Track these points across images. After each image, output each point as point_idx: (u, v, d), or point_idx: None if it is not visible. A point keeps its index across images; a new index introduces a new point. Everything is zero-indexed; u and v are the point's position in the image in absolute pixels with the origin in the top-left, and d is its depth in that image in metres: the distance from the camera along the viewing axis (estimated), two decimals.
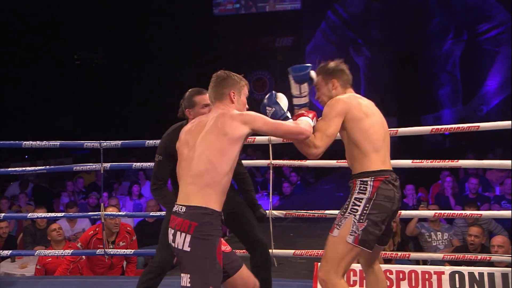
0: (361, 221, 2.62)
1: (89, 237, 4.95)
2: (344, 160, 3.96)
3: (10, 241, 6.00)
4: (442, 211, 4.53)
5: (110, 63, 16.62)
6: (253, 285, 2.63)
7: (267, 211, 4.02)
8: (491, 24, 15.48)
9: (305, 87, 2.78)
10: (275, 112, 2.67)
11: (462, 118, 14.88)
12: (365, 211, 2.62)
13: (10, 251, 4.94)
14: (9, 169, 5.92)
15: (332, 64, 2.82)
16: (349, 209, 2.65)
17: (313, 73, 2.80)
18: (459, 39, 15.90)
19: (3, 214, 5.88)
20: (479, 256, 3.89)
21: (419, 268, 3.85)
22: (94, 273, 4.99)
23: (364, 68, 16.88)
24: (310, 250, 4.04)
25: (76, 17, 14.65)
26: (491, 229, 5.62)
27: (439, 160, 3.89)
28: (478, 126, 3.76)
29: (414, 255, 4.52)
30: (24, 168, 5.12)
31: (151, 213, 5.32)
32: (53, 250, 4.90)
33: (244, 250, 3.36)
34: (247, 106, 2.65)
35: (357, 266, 3.88)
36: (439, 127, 3.96)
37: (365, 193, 2.65)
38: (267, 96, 2.76)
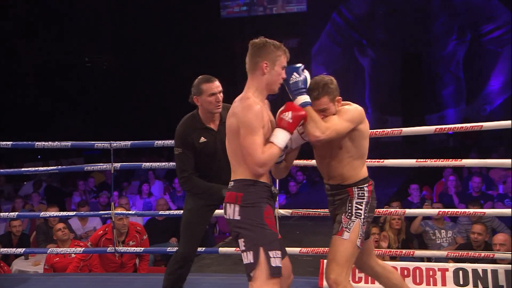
0: (364, 224, 2.70)
1: (98, 237, 4.97)
2: None
3: (24, 239, 6.03)
4: (446, 210, 4.51)
5: (119, 65, 16.69)
6: (289, 275, 2.66)
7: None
8: (494, 25, 15.41)
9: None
10: (296, 83, 2.59)
11: (466, 117, 14.83)
12: (365, 214, 2.70)
13: (24, 249, 4.97)
14: (23, 169, 5.96)
15: (333, 83, 2.68)
16: (354, 213, 2.68)
17: (306, 74, 2.67)
18: (463, 40, 15.85)
19: (16, 213, 5.94)
20: (483, 254, 3.88)
21: (424, 265, 3.83)
22: (105, 271, 5.01)
23: (369, 69, 16.86)
24: (316, 248, 4.04)
25: (87, 22, 14.72)
26: (494, 227, 5.61)
27: (443, 159, 3.88)
28: (482, 126, 3.74)
29: (419, 252, 4.49)
30: (37, 168, 5.13)
31: (161, 212, 5.32)
32: (64, 248, 4.93)
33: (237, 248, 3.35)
34: (283, 76, 2.54)
35: None
36: (443, 126, 3.94)
37: (363, 198, 2.72)
38: (298, 65, 2.63)
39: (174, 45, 15.49)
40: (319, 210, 4.05)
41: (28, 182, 10.28)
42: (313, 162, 4.11)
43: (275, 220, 2.59)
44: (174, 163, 3.29)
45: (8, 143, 4.34)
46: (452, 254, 3.95)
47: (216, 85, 3.11)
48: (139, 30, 15.41)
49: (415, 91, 15.17)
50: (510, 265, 3.72)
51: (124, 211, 4.92)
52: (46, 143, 4.30)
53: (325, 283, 2.89)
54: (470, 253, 3.94)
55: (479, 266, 3.72)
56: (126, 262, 5.05)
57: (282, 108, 2.52)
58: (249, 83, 2.53)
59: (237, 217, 2.45)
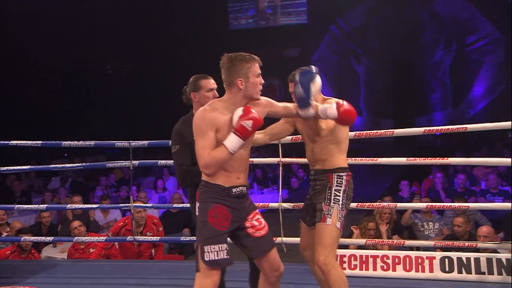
0: (343, 209, 2.71)
1: (118, 228, 4.99)
2: (353, 158, 3.98)
3: (52, 229, 6.07)
4: (434, 203, 4.50)
5: (138, 72, 16.73)
6: (277, 268, 2.55)
7: (277, 203, 4.04)
8: (477, 36, 15.37)
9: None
10: (299, 94, 2.55)
11: (452, 120, 14.79)
12: (343, 201, 2.71)
13: (52, 238, 4.99)
14: (51, 165, 5.97)
15: (317, 80, 2.68)
16: (332, 199, 2.70)
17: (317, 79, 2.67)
18: (449, 50, 15.81)
19: (46, 205, 5.96)
20: (467, 243, 3.87)
21: (413, 253, 3.83)
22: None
23: (364, 75, 16.83)
24: None
25: (109, 31, 14.77)
26: (477, 219, 5.59)
27: (431, 158, 3.87)
28: (466, 128, 3.73)
29: (409, 242, 4.50)
30: (63, 165, 5.16)
31: (175, 205, 5.34)
32: (89, 237, 4.94)
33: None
34: (262, 81, 2.45)
35: (357, 252, 3.88)
36: (431, 128, 3.93)
37: (341, 186, 2.73)
38: (307, 70, 2.61)
39: (187, 53, 15.51)
40: None
41: (56, 177, 10.34)
42: None
43: (232, 217, 2.43)
44: None
45: (38, 142, 4.36)
46: (439, 244, 3.94)
47: (212, 82, 2.98)
48: (156, 40, 15.45)
49: (405, 95, 15.12)
50: (492, 254, 3.71)
51: (142, 204, 4.92)
52: (72, 142, 4.32)
53: (317, 269, 2.85)
54: (455, 243, 3.92)
55: (463, 255, 3.71)
56: (143, 251, 5.07)
57: (241, 113, 2.34)
58: (225, 95, 2.46)
59: (197, 213, 2.48)
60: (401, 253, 3.81)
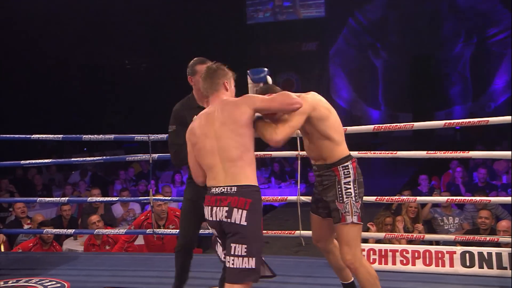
0: (357, 201, 2.62)
1: (141, 221, 5.03)
2: (365, 151, 3.95)
3: (73, 222, 6.15)
4: (454, 197, 4.45)
5: (155, 67, 16.81)
6: None
7: (295, 197, 4.03)
8: (498, 29, 15.13)
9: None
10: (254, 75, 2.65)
11: (472, 113, 14.59)
12: (356, 191, 2.62)
13: (73, 230, 5.05)
14: (71, 159, 6.04)
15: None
16: (344, 194, 2.62)
17: (268, 77, 2.70)
18: (469, 42, 15.59)
19: (66, 198, 6.04)
20: (488, 238, 3.82)
21: (433, 248, 3.79)
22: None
23: (382, 69, 16.67)
24: None
25: (127, 28, 14.86)
26: (498, 214, 5.52)
27: (451, 152, 3.82)
28: (488, 121, 3.66)
29: (428, 236, 4.45)
30: (84, 159, 5.19)
31: None
32: (109, 230, 4.99)
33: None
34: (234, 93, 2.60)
35: (375, 246, 3.86)
36: (451, 121, 3.87)
37: (350, 176, 2.63)
38: (258, 71, 2.72)
39: (204, 48, 15.52)
40: None
41: (76, 171, 10.46)
42: None
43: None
44: None
45: (59, 136, 4.39)
46: (460, 238, 3.89)
47: None
48: (173, 36, 15.49)
49: (424, 89, 14.96)
50: None
51: (161, 197, 4.95)
52: (92, 136, 4.34)
53: None
54: (476, 237, 3.87)
55: (485, 250, 3.66)
56: (166, 243, 5.09)
57: None
58: (212, 102, 2.51)
59: (244, 223, 2.35)
60: (421, 248, 3.77)
